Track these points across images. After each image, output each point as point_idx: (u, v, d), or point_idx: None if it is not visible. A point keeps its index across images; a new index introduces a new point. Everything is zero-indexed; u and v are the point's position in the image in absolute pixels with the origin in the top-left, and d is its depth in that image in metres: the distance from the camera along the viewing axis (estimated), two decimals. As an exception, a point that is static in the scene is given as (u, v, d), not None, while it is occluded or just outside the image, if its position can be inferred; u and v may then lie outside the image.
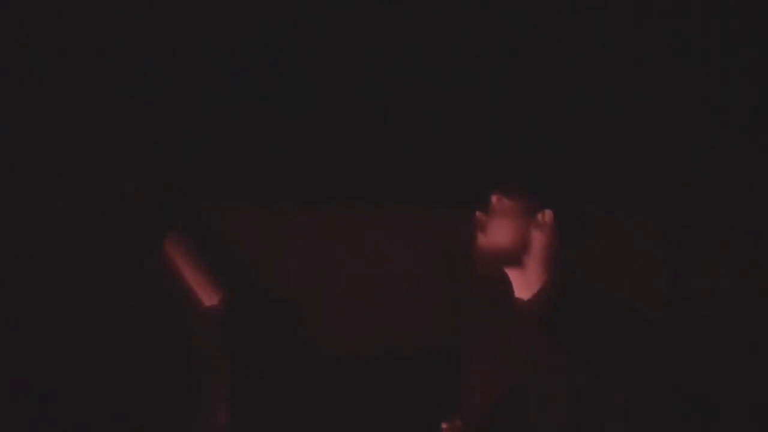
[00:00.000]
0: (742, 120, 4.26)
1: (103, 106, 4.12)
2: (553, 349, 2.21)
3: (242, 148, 4.24)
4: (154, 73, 4.13)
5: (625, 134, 4.31)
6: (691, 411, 3.60)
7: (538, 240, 2.29)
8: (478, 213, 2.32)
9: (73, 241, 4.09)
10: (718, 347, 4.25)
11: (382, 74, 4.22)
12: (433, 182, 4.21)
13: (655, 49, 4.25)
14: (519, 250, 2.29)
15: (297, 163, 4.25)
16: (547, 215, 2.29)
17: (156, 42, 4.10)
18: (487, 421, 2.20)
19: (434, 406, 2.39)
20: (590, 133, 4.27)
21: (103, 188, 4.15)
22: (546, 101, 4.23)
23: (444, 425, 2.23)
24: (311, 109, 4.22)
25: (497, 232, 2.29)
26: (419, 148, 4.25)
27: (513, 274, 2.32)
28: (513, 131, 4.17)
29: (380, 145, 4.24)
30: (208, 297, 2.28)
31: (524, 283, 2.30)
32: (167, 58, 4.12)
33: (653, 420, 2.20)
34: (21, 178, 4.11)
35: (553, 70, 4.24)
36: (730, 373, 4.19)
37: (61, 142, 4.11)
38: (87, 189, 4.15)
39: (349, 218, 4.28)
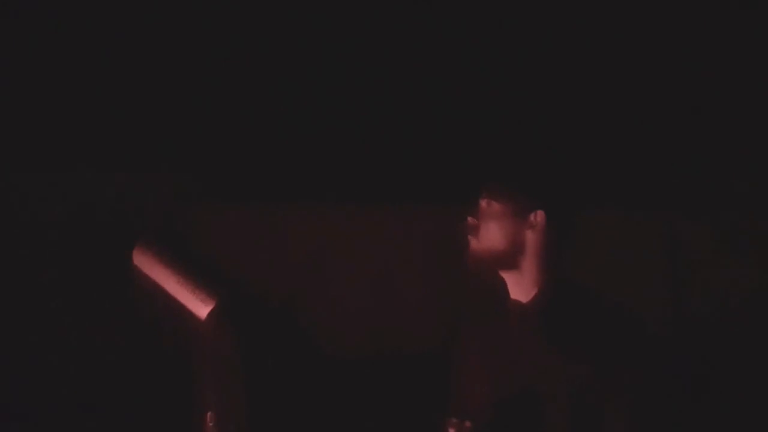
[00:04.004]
0: (743, 120, 4.26)
1: (103, 106, 4.12)
2: (550, 350, 2.21)
3: (242, 148, 4.24)
4: (154, 74, 4.13)
5: (627, 135, 4.31)
6: (691, 410, 3.60)
7: (531, 241, 2.28)
8: (469, 218, 2.32)
9: (74, 242, 4.09)
10: (718, 346, 4.25)
11: (383, 75, 4.22)
12: (432, 182, 4.21)
13: (656, 50, 4.24)
14: (512, 253, 2.28)
15: (296, 163, 4.25)
16: (539, 216, 2.27)
17: (156, 42, 4.10)
18: (487, 421, 2.19)
19: (434, 406, 2.39)
20: (591, 133, 4.27)
21: (102, 188, 4.15)
22: (547, 102, 4.23)
23: (451, 429, 2.21)
24: (310, 109, 4.22)
25: (489, 235, 2.28)
26: (418, 149, 4.25)
27: (508, 276, 2.31)
28: (514, 131, 4.16)
29: (380, 145, 4.24)
30: (200, 306, 2.22)
31: (520, 285, 2.30)
32: (167, 59, 4.12)
33: (653, 420, 2.20)
34: (19, 179, 4.11)
35: (554, 70, 4.24)
36: (730, 373, 4.19)
37: (60, 142, 4.11)
38: (85, 189, 4.15)
39: (348, 218, 4.28)
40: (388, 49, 4.19)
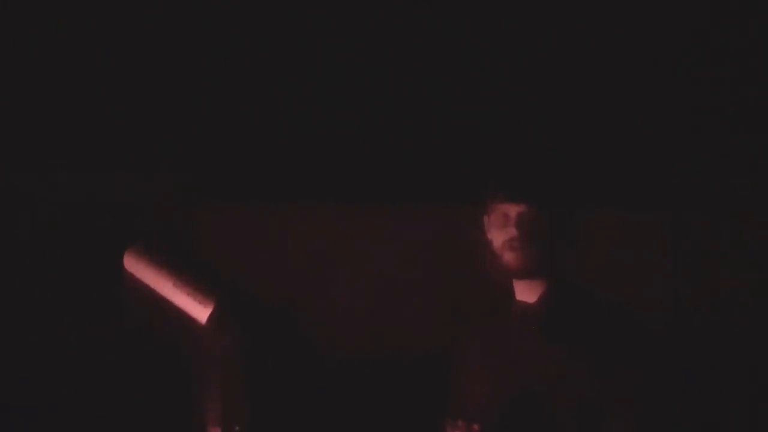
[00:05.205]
0: (743, 120, 4.26)
1: (103, 106, 4.12)
2: (551, 351, 2.21)
3: (242, 148, 4.23)
4: (154, 74, 4.13)
5: (627, 134, 4.30)
6: (692, 411, 3.59)
7: (547, 244, 2.24)
8: (514, 230, 2.22)
9: (73, 242, 4.09)
10: (718, 347, 4.25)
11: (383, 75, 4.22)
12: (433, 182, 4.21)
13: (657, 50, 4.24)
14: (534, 257, 2.23)
15: (296, 163, 4.25)
16: (552, 218, 2.24)
17: (156, 42, 4.09)
18: (487, 422, 2.19)
19: (434, 406, 2.38)
20: (592, 133, 4.27)
21: (102, 188, 4.15)
22: (547, 101, 4.23)
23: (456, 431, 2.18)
24: (310, 109, 4.22)
25: (530, 244, 2.20)
26: (419, 149, 4.25)
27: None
28: (514, 131, 4.16)
29: (380, 145, 4.24)
30: (199, 308, 2.19)
31: (530, 286, 2.28)
32: (167, 59, 4.12)
33: (654, 420, 2.19)
34: (19, 179, 4.11)
35: (554, 71, 4.23)
36: (731, 374, 4.19)
37: (61, 142, 4.11)
38: (85, 189, 4.15)
39: (348, 218, 4.28)
40: (388, 49, 4.19)
